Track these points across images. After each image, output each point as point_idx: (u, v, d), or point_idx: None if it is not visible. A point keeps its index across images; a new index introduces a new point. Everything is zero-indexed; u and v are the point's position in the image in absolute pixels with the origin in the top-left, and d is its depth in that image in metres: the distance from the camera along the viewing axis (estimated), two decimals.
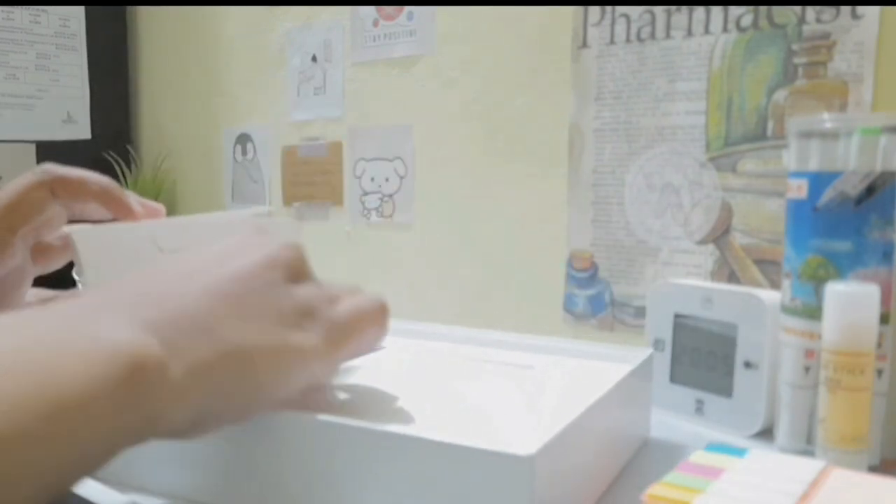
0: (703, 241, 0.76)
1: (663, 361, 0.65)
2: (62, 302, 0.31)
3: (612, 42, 0.80)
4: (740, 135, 0.73)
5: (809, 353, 0.54)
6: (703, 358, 0.63)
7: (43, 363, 0.27)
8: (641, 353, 0.55)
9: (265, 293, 0.36)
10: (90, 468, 0.28)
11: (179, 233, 0.51)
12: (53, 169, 0.49)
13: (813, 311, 0.53)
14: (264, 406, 0.36)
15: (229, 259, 0.37)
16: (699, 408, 0.63)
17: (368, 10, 0.99)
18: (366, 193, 1.02)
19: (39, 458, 0.25)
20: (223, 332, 0.33)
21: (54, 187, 0.49)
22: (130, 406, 0.28)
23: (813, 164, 0.54)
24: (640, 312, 0.79)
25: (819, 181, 0.53)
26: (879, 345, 0.51)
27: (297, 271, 0.39)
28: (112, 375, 0.27)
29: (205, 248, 0.38)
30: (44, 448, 0.25)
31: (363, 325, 0.40)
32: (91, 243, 0.47)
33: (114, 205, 0.50)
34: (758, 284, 0.72)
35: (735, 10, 0.72)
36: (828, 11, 0.67)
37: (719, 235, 0.75)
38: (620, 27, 0.79)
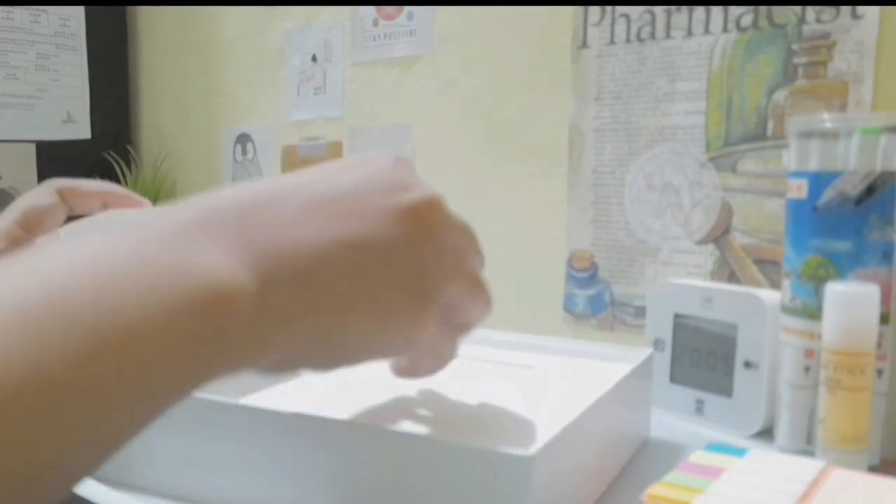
0: (703, 241, 0.76)
1: (663, 361, 0.65)
2: (149, 219, 0.28)
3: (612, 42, 0.80)
4: (740, 135, 0.73)
5: (809, 353, 0.54)
6: (703, 358, 0.63)
7: (122, 289, 0.24)
8: (641, 353, 0.55)
9: (390, 249, 0.32)
10: (163, 406, 0.25)
11: None
12: (61, 180, 0.56)
13: (813, 311, 0.53)
14: (353, 362, 0.33)
15: (354, 184, 0.32)
16: (699, 408, 0.63)
17: (368, 10, 0.99)
18: None
19: (113, 389, 0.23)
20: (326, 293, 0.29)
21: (63, 193, 0.55)
22: (207, 338, 0.25)
23: (813, 164, 0.54)
24: (640, 312, 0.79)
25: (819, 181, 0.53)
26: (879, 345, 0.51)
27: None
28: (197, 304, 0.25)
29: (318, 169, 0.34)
30: (118, 375, 0.23)
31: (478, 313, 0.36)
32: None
33: (118, 199, 0.56)
34: (758, 284, 0.72)
35: (735, 10, 0.72)
36: (828, 11, 0.67)
37: (719, 235, 0.75)
38: (620, 27, 0.79)
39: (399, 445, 0.37)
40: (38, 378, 0.21)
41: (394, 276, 0.31)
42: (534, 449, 0.34)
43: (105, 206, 0.56)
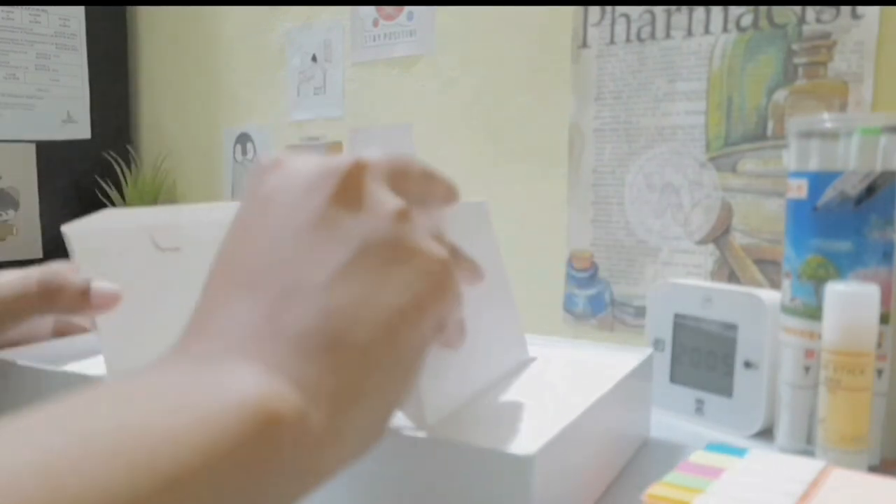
0: (703, 241, 0.76)
1: (663, 361, 0.65)
2: (174, 354, 0.26)
3: (612, 42, 0.80)
4: (740, 135, 0.73)
5: (809, 353, 0.54)
6: (703, 358, 0.63)
7: (150, 435, 0.21)
8: (641, 353, 0.55)
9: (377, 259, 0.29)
10: None
11: (177, 231, 0.51)
12: (58, 276, 0.46)
13: (813, 311, 0.53)
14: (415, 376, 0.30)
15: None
16: (699, 408, 0.63)
17: (368, 10, 0.99)
18: None
19: None
20: (355, 339, 0.27)
21: (54, 298, 0.46)
22: (265, 468, 0.23)
23: (813, 164, 0.54)
24: (640, 312, 0.79)
25: (819, 181, 0.53)
26: (879, 345, 0.51)
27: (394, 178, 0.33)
28: (240, 435, 0.23)
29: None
30: None
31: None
32: (88, 245, 0.47)
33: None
34: (758, 284, 0.72)
35: (735, 10, 0.72)
36: (828, 11, 0.67)
37: (719, 235, 0.75)
38: (620, 27, 0.79)
39: (398, 445, 0.37)
40: None
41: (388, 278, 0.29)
42: (534, 449, 0.34)
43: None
